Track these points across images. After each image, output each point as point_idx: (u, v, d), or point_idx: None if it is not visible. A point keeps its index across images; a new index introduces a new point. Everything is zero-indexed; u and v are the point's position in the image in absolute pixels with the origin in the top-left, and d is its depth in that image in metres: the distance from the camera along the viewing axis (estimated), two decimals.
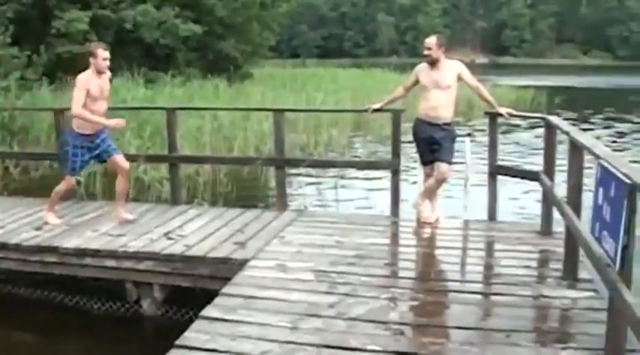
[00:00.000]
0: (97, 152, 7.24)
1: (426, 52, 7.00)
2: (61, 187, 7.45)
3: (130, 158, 10.38)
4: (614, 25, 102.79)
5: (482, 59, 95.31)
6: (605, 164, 3.88)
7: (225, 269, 5.96)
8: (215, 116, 14.57)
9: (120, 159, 7.36)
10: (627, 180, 3.43)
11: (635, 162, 13.64)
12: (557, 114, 9.58)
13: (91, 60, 6.99)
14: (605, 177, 3.85)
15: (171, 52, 24.61)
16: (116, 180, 7.45)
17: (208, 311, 4.80)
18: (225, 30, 26.77)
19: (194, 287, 6.24)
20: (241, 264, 5.92)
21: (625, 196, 3.44)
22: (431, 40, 7.00)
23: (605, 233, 3.76)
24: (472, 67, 8.77)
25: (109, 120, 7.16)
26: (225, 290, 5.24)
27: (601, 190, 3.93)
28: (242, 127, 14.65)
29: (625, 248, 3.47)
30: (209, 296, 5.14)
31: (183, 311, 6.23)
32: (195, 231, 7.01)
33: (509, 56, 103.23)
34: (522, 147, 16.61)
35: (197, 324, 4.59)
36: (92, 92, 6.92)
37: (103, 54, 6.98)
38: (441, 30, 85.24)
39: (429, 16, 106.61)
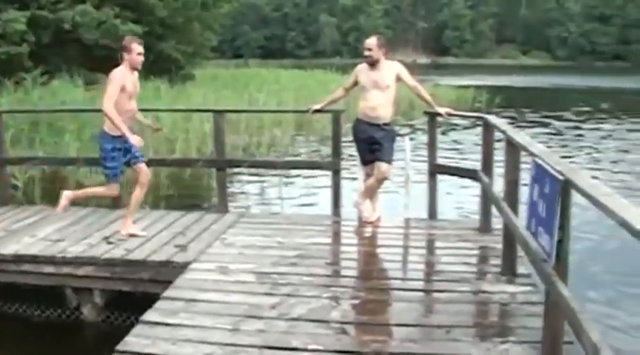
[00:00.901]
0: (129, 156, 6.73)
1: (366, 53, 7.02)
2: (101, 190, 7.02)
3: (69, 161, 10.30)
4: (553, 26, 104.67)
5: (423, 59, 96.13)
6: (540, 161, 3.96)
7: (167, 273, 5.89)
8: (157, 117, 14.40)
9: (144, 167, 6.87)
10: (560, 177, 3.51)
11: (568, 157, 14.01)
12: (497, 114, 9.74)
13: (125, 55, 6.52)
14: (540, 174, 3.92)
15: (111, 52, 24.17)
16: (135, 189, 6.89)
17: (149, 315, 4.76)
18: (166, 30, 26.43)
19: (135, 292, 6.15)
20: (182, 267, 5.87)
21: (558, 192, 3.51)
22: (371, 41, 7.03)
23: (540, 228, 3.83)
24: (414, 67, 8.86)
25: (132, 135, 6.51)
26: (167, 293, 5.20)
27: (536, 187, 4.00)
28: (183, 128, 14.54)
29: (560, 242, 3.54)
30: (150, 300, 5.08)
31: (125, 316, 6.15)
32: None
33: (451, 56, 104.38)
34: (462, 145, 16.82)
35: (138, 329, 4.55)
36: (128, 88, 6.47)
37: (137, 48, 6.54)
38: (382, 31, 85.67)
39: (371, 17, 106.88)
